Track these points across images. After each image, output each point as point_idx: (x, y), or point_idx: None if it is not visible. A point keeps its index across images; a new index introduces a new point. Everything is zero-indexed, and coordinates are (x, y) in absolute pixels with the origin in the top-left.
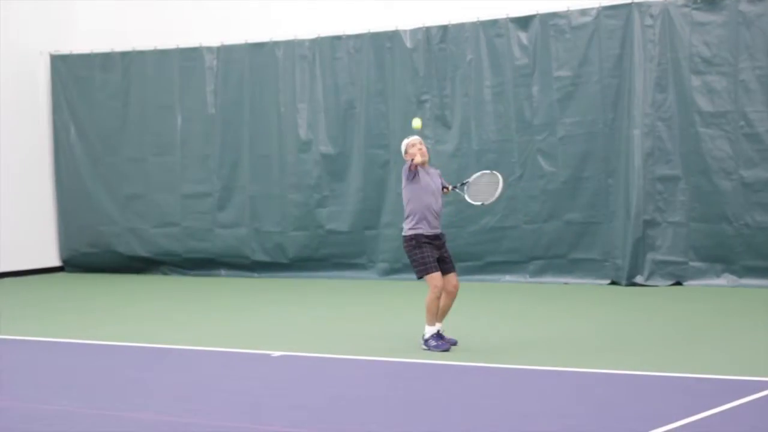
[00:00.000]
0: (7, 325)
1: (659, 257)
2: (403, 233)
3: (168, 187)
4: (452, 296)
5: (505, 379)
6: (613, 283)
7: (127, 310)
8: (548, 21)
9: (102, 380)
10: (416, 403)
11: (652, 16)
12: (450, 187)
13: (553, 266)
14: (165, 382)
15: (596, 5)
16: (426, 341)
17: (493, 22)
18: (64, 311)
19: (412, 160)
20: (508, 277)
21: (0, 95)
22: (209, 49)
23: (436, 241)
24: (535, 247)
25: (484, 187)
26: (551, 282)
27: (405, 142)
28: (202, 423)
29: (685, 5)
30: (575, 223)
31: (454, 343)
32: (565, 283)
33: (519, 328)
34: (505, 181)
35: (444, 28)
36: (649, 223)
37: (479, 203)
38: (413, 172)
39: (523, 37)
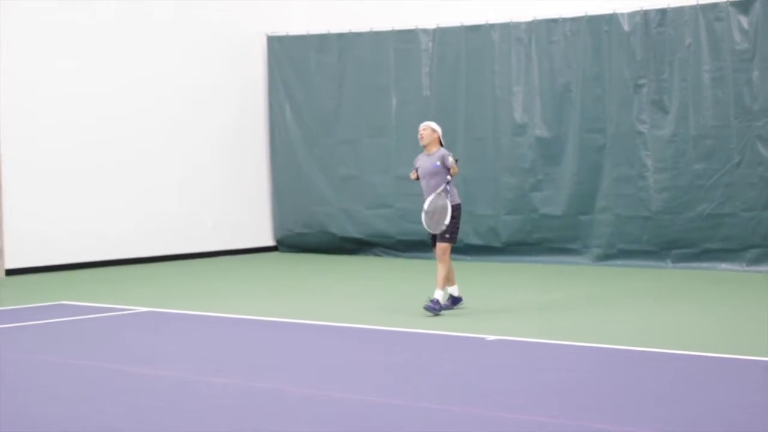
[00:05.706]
0: (222, 303)
1: None
2: None
3: (382, 168)
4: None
5: (714, 368)
6: None
7: (339, 290)
8: None
9: (311, 360)
10: (627, 391)
11: None
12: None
13: None
14: (374, 364)
15: None
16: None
17: (713, 6)
18: (277, 290)
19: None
20: (724, 265)
21: (218, 76)
22: (425, 31)
23: None
24: (752, 235)
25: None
26: None
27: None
28: (411, 405)
29: None
30: None
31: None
32: None
33: (734, 317)
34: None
35: (663, 12)
36: None
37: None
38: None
39: (744, 20)
